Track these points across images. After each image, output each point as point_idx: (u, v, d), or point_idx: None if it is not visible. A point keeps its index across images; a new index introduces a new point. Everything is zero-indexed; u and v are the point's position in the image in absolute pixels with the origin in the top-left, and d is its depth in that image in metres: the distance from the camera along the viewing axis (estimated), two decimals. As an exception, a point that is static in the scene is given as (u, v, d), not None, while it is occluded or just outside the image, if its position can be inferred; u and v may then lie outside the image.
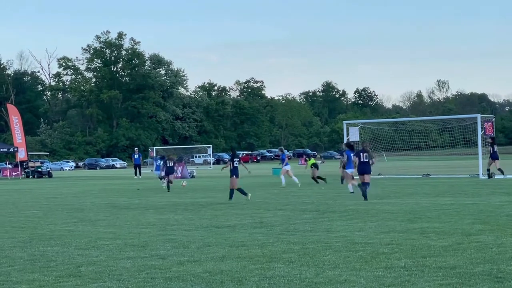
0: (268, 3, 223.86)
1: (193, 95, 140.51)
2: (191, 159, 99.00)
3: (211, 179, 37.47)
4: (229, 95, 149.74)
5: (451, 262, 9.66)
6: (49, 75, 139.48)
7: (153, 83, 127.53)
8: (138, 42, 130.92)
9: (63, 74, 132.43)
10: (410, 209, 17.86)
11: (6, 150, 67.46)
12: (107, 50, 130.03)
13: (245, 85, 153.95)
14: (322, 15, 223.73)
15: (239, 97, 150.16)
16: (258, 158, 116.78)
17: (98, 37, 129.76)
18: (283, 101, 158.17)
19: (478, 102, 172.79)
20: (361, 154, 22.14)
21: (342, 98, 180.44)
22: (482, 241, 11.67)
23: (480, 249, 10.74)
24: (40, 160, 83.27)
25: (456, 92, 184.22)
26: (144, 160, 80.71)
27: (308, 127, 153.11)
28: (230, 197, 23.06)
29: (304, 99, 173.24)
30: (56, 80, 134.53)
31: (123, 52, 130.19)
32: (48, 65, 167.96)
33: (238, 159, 23.77)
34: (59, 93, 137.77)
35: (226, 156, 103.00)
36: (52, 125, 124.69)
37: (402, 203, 19.91)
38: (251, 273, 9.24)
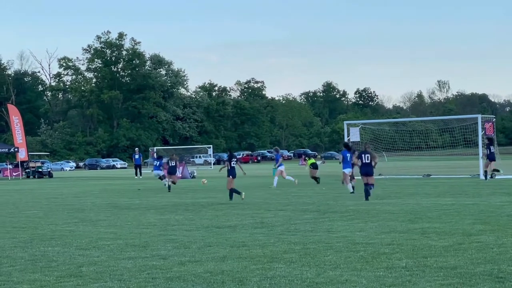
0: (268, 3, 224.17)
1: (193, 96, 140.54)
2: (191, 160, 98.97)
3: (212, 180, 37.47)
4: (230, 95, 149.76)
5: (452, 262, 9.67)
6: (49, 75, 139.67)
7: (154, 83, 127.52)
8: (139, 42, 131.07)
9: (63, 74, 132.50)
10: (411, 210, 17.86)
11: (6, 150, 67.48)
12: (107, 50, 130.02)
13: (246, 86, 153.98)
14: (322, 15, 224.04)
15: (239, 98, 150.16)
16: (259, 158, 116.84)
17: (98, 37, 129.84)
18: (283, 102, 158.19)
19: (479, 102, 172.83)
20: (363, 155, 22.12)
21: (343, 99, 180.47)
22: (483, 241, 11.68)
23: (481, 249, 10.75)
24: (40, 160, 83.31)
25: (457, 92, 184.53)
26: (145, 161, 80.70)
27: (309, 127, 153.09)
28: (231, 198, 23.07)
29: (305, 100, 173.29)
30: (57, 80, 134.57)
31: (124, 52, 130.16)
32: (49, 65, 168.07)
33: (235, 160, 23.81)
34: (60, 94, 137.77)
35: (226, 157, 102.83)
36: (53, 125, 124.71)
37: (403, 204, 19.92)
38: (252, 273, 9.25)
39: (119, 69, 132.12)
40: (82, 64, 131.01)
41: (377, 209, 18.15)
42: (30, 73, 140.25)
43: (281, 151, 40.25)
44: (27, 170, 60.56)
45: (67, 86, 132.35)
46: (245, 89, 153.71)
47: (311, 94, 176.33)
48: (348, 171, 25.91)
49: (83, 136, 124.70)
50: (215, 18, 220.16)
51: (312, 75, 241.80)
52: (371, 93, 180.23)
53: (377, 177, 34.47)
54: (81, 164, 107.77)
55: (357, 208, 18.62)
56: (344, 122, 46.73)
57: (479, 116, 38.25)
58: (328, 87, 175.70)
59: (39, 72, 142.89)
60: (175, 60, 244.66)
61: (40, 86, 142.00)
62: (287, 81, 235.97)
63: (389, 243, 11.71)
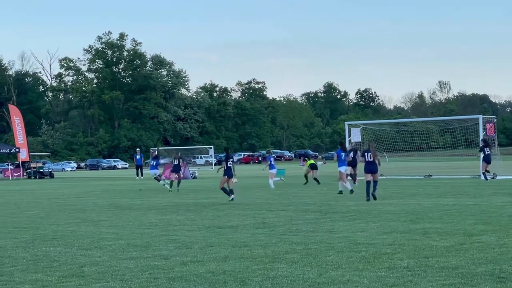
0: (268, 3, 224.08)
1: (194, 96, 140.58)
2: (192, 160, 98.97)
3: (213, 180, 37.49)
4: (231, 96, 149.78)
5: (453, 263, 9.68)
6: (50, 75, 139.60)
7: (155, 84, 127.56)
8: (140, 43, 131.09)
9: (64, 74, 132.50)
10: (412, 210, 17.87)
11: (8, 150, 67.55)
12: (108, 51, 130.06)
13: (247, 86, 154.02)
14: (323, 15, 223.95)
15: (240, 98, 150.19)
16: (260, 159, 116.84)
17: (99, 38, 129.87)
18: (284, 102, 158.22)
19: (480, 103, 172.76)
20: (366, 154, 22.22)
21: (344, 99, 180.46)
22: (484, 241, 11.69)
23: (482, 250, 10.76)
24: (41, 161, 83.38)
25: (458, 93, 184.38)
26: (146, 161, 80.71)
27: (310, 128, 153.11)
28: (228, 195, 23.16)
29: (306, 100, 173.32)
30: (58, 80, 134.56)
31: (125, 53, 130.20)
32: (50, 65, 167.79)
33: (231, 160, 23.91)
34: (61, 94, 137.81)
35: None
36: (54, 125, 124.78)
37: (404, 204, 19.93)
38: (254, 273, 9.26)
39: (120, 70, 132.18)
40: (83, 65, 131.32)
41: (379, 210, 18.16)
42: (31, 73, 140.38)
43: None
44: (28, 171, 60.61)
45: (68, 87, 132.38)
46: (246, 90, 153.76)
47: (312, 94, 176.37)
48: (343, 169, 26.01)
49: (84, 137, 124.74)
50: (215, 18, 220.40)
51: (313, 76, 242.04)
52: (372, 93, 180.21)
53: (379, 177, 34.48)
54: (82, 164, 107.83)
55: (358, 209, 18.63)
56: (345, 122, 46.75)
57: (480, 116, 38.24)
58: (329, 88, 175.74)
59: (40, 72, 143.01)
60: (175, 60, 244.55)
61: (41, 87, 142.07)
62: (288, 82, 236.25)
63: (391, 243, 11.72)
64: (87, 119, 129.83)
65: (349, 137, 40.70)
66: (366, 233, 13.20)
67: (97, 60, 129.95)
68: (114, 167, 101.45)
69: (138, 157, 52.05)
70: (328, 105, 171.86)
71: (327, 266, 9.65)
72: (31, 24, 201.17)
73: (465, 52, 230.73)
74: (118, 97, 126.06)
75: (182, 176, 32.90)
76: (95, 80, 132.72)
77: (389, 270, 9.24)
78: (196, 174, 48.08)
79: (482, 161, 33.65)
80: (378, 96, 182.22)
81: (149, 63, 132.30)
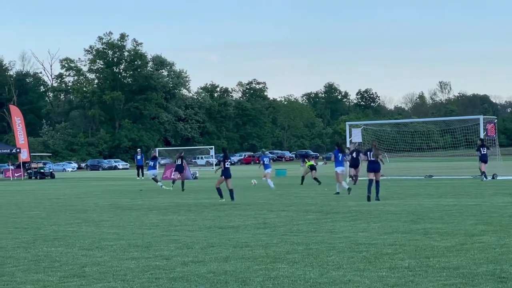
0: (268, 3, 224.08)
1: (195, 96, 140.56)
2: (193, 161, 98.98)
3: (214, 180, 37.43)
4: (231, 96, 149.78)
5: (454, 263, 9.69)
6: (51, 76, 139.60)
7: (156, 84, 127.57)
8: (141, 43, 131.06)
9: (65, 75, 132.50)
10: (413, 210, 17.88)
11: (8, 151, 67.59)
12: (109, 51, 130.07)
13: (248, 87, 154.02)
14: (323, 15, 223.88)
15: (241, 99, 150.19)
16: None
17: (100, 38, 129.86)
18: (285, 103, 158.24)
19: (480, 103, 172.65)
20: (369, 153, 22.28)
21: (344, 100, 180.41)
22: (485, 241, 11.69)
23: (483, 250, 10.77)
24: (42, 161, 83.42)
25: (458, 93, 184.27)
26: (147, 161, 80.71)
27: (311, 128, 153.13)
28: (232, 198, 23.16)
29: (306, 101, 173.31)
30: (59, 81, 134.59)
31: (126, 53, 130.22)
32: (51, 66, 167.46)
33: (229, 160, 24.08)
34: (62, 94, 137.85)
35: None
36: (55, 126, 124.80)
37: (405, 204, 19.93)
38: (255, 274, 9.27)
39: (121, 70, 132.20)
40: (84, 65, 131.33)
41: (380, 210, 18.16)
42: (32, 74, 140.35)
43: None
44: (29, 171, 60.64)
45: (69, 87, 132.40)
46: (246, 90, 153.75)
47: (313, 95, 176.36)
48: (340, 169, 26.06)
49: (85, 137, 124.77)
50: (215, 18, 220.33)
51: (313, 76, 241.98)
52: (372, 94, 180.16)
53: (380, 178, 34.50)
54: (83, 165, 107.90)
55: (359, 209, 18.64)
56: (346, 123, 46.73)
57: (481, 117, 38.24)
58: (330, 88, 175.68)
59: (41, 73, 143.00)
60: (176, 61, 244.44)
61: (42, 87, 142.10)
62: (289, 82, 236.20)
63: (392, 243, 11.73)
64: (87, 119, 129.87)
65: (350, 137, 40.70)
66: (367, 233, 13.21)
67: (98, 61, 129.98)
68: (115, 168, 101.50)
69: (139, 157, 52.07)
70: (329, 105, 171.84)
71: (328, 266, 9.66)
72: (31, 24, 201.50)
73: (465, 52, 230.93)
74: (119, 97, 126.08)
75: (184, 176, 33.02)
76: (96, 81, 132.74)
77: (390, 270, 9.25)
78: (197, 175, 48.10)
79: (479, 161, 33.62)
80: (378, 97, 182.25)
81: (150, 64, 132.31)
